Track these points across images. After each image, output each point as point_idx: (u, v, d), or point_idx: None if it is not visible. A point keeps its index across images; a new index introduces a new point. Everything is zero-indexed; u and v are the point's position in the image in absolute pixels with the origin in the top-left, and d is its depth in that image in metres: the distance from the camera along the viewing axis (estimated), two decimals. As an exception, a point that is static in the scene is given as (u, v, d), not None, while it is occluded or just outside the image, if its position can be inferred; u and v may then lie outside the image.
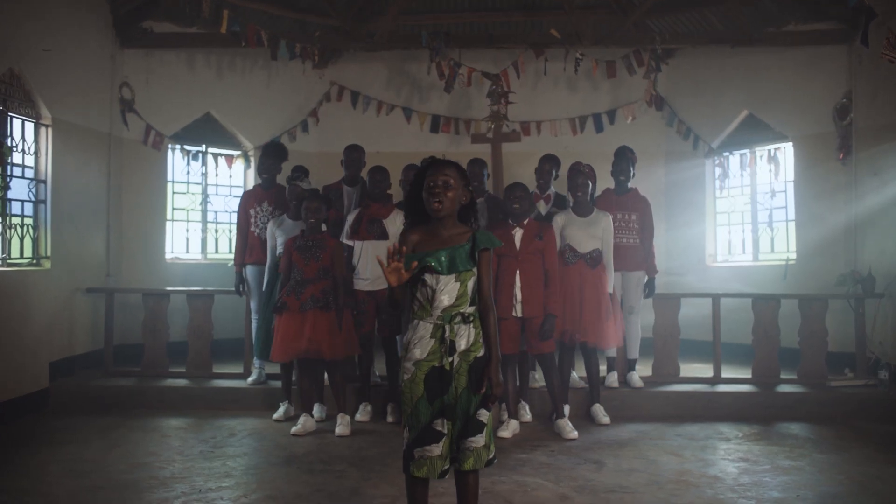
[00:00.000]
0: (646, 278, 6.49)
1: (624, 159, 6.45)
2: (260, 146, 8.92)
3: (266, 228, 6.30)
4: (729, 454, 5.18)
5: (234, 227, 8.92)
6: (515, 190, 5.57)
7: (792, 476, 4.67)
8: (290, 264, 5.67)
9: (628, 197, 6.47)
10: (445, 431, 3.12)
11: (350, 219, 6.10)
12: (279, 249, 6.01)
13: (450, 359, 3.13)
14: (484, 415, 3.17)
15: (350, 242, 6.00)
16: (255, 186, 6.79)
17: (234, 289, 6.63)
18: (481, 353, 3.20)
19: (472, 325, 3.18)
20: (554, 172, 6.52)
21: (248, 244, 6.52)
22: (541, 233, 5.55)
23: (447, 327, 3.13)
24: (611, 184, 6.56)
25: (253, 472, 4.71)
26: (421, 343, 3.16)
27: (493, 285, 5.45)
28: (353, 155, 6.53)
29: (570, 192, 5.96)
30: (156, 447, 5.28)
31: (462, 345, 3.15)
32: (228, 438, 5.51)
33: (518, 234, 5.54)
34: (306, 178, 6.18)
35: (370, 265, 5.91)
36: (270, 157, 6.61)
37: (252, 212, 6.53)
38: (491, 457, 3.20)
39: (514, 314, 5.49)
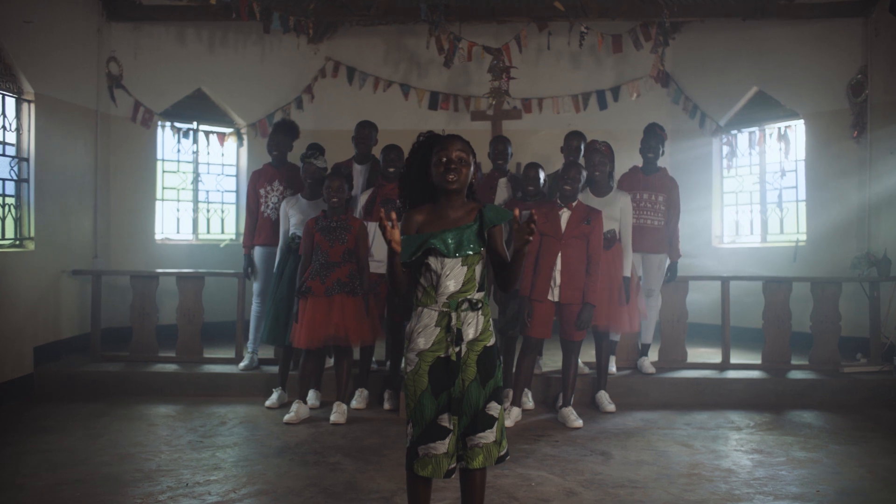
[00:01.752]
0: (668, 262, 6.25)
1: (653, 136, 6.17)
2: (253, 123, 8.69)
3: (276, 208, 6.06)
4: (741, 445, 4.96)
5: (225, 207, 8.75)
6: (570, 170, 5.32)
7: (809, 469, 4.45)
8: (311, 246, 5.40)
9: (656, 177, 6.21)
10: (451, 427, 2.88)
11: (363, 199, 5.88)
12: (293, 230, 5.76)
13: (456, 349, 2.88)
14: (495, 408, 2.93)
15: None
16: (264, 165, 6.46)
17: (240, 271, 6.36)
18: (491, 342, 2.95)
19: (480, 312, 2.93)
20: (582, 149, 6.21)
21: (258, 225, 6.26)
22: (589, 217, 5.29)
23: (454, 315, 2.89)
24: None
25: (243, 465, 4.47)
26: (425, 332, 2.91)
27: (533, 266, 5.30)
28: (364, 132, 6.26)
29: (588, 171, 5.71)
30: (142, 437, 5.04)
31: (470, 333, 2.91)
32: (218, 427, 5.28)
33: (565, 215, 5.30)
34: (321, 155, 5.92)
35: (384, 247, 5.66)
36: (281, 133, 6.34)
37: (262, 191, 6.25)
38: (503, 453, 2.97)
39: (550, 297, 5.26)
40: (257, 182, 6.30)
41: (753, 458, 4.67)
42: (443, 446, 2.87)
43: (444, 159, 2.91)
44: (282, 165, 6.31)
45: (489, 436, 2.91)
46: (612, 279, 5.56)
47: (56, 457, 4.56)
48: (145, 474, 4.24)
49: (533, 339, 5.39)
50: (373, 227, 5.72)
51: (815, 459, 4.63)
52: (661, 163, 6.31)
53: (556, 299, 5.30)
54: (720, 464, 4.54)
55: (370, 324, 5.43)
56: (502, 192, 6.12)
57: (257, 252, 6.28)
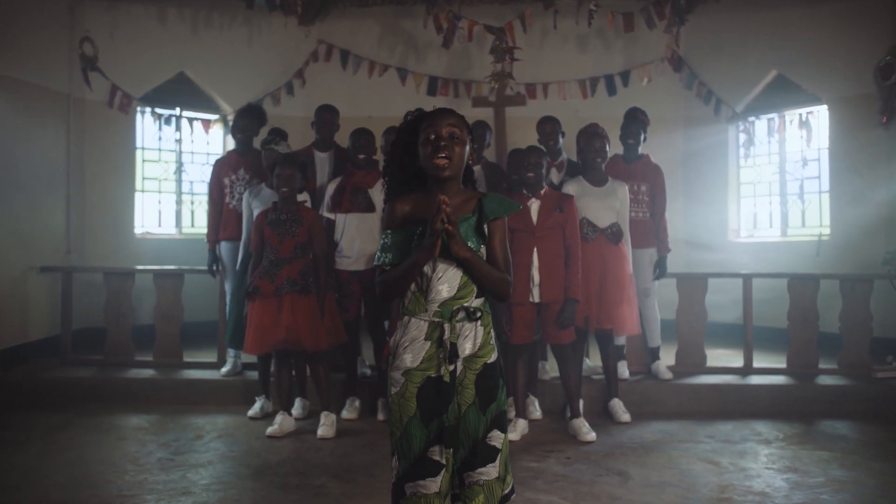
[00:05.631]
0: (657, 257, 5.76)
1: (634, 121, 5.71)
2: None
3: (242, 199, 5.56)
4: (773, 461, 4.46)
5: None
6: (531, 155, 4.81)
7: (852, 492, 3.95)
8: (261, 242, 4.92)
9: (638, 165, 5.72)
10: (445, 462, 2.37)
11: (331, 189, 5.36)
12: None
13: (450, 367, 2.37)
14: (497, 438, 2.42)
15: (331, 216, 5.28)
16: (229, 152, 6.01)
17: (206, 268, 5.88)
18: (492, 358, 2.44)
19: (479, 322, 2.42)
20: (560, 134, 5.76)
21: (223, 218, 5.77)
22: (561, 204, 4.79)
23: (447, 326, 2.38)
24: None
25: (216, 488, 3.96)
26: (413, 346, 2.40)
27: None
28: (326, 116, 5.77)
29: (586, 157, 5.21)
30: (107, 453, 4.55)
31: (467, 348, 2.40)
32: (194, 442, 4.78)
33: (535, 206, 4.79)
34: (284, 141, 5.43)
35: (356, 241, 5.21)
36: (246, 116, 5.85)
37: (227, 181, 5.76)
38: (507, 491, 2.45)
39: (530, 299, 4.75)
40: (221, 171, 5.81)
41: (788, 477, 4.17)
42: (434, 485, 2.36)
43: (433, 136, 2.39)
44: (247, 152, 5.82)
45: (491, 471, 2.40)
46: (619, 277, 5.06)
47: (5, 477, 4.08)
48: (102, 500, 3.76)
49: (518, 346, 4.89)
50: (342, 221, 5.24)
51: (857, 480, 4.13)
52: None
53: (538, 300, 4.79)
54: (752, 485, 4.04)
55: (327, 326, 4.91)
56: (478, 181, 5.61)
57: (224, 247, 5.79)
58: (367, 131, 5.35)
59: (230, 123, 8.00)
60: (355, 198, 5.24)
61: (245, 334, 4.93)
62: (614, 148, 5.78)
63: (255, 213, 5.27)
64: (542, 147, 5.25)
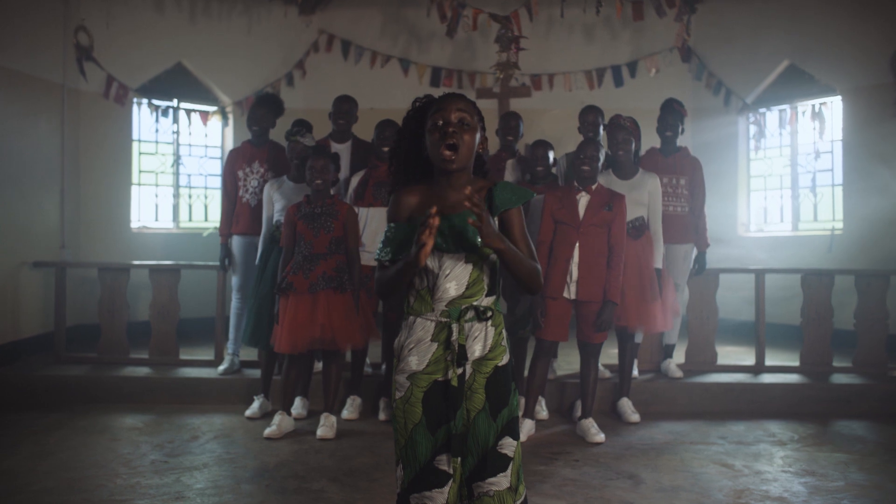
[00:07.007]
0: (695, 252, 5.59)
1: (672, 113, 5.51)
2: (238, 101, 8.02)
3: (256, 193, 5.43)
4: (789, 464, 4.29)
5: (209, 192, 8.09)
6: (588, 148, 4.65)
7: (874, 497, 3.78)
8: (293, 236, 4.74)
9: (676, 158, 5.53)
10: (452, 472, 2.22)
11: (354, 182, 5.24)
12: (277, 217, 5.12)
13: (459, 370, 2.21)
14: (509, 446, 2.27)
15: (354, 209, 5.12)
16: (243, 143, 5.79)
17: (218, 263, 5.73)
18: (503, 361, 2.28)
19: (490, 322, 2.26)
20: (601, 125, 5.57)
21: (235, 211, 5.61)
22: (610, 202, 4.62)
23: (455, 327, 2.22)
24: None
25: (211, 493, 3.80)
26: (419, 348, 2.24)
27: (546, 258, 4.63)
28: (344, 107, 5.61)
29: (610, 150, 5.05)
30: (100, 455, 4.38)
31: (476, 350, 2.24)
32: (189, 443, 4.61)
33: (583, 200, 4.63)
34: (309, 133, 5.26)
35: (378, 236, 5.04)
36: (264, 106, 5.66)
37: (241, 173, 5.58)
38: (520, 502, 2.30)
39: (566, 294, 4.60)
40: (234, 163, 5.63)
41: (806, 482, 4.01)
42: (441, 496, 2.21)
43: (441, 122, 2.23)
44: (263, 144, 5.64)
45: (502, 481, 2.24)
46: (641, 273, 4.90)
47: (-4, 480, 3.92)
48: (92, 506, 3.60)
49: (547, 342, 4.73)
50: (365, 215, 5.09)
51: (877, 484, 3.97)
52: (681, 142, 5.64)
53: (573, 296, 4.63)
54: (769, 490, 3.88)
55: (361, 324, 4.76)
56: (510, 175, 5.49)
57: (235, 242, 5.62)
58: (392, 123, 5.16)
59: (230, 116, 7.92)
60: (378, 191, 5.09)
61: (274, 332, 4.75)
62: (653, 140, 5.65)
63: (277, 206, 5.14)
64: (598, 140, 5.02)
